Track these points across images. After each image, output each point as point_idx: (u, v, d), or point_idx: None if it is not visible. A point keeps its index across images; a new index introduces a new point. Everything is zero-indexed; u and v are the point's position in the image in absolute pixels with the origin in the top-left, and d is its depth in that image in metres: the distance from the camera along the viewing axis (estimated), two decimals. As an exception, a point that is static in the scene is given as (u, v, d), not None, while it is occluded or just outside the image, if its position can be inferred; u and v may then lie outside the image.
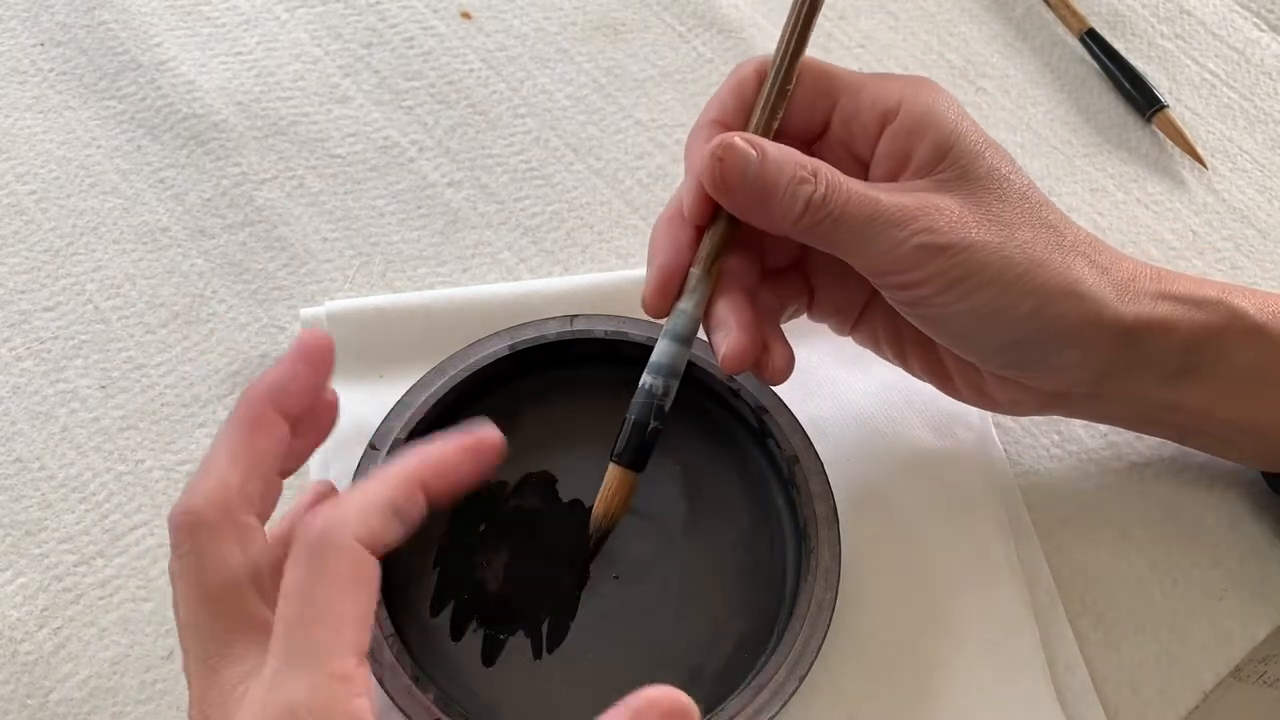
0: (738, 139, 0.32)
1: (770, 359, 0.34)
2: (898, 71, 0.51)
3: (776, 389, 0.38)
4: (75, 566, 0.38)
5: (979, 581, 0.38)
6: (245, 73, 0.49)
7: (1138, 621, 0.38)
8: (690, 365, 0.38)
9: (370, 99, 0.48)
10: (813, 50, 0.51)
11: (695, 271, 0.34)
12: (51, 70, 0.49)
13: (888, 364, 0.42)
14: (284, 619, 0.26)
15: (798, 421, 0.37)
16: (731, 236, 0.34)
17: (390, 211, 0.46)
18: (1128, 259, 0.34)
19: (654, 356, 0.34)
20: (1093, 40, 0.51)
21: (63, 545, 0.38)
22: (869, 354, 0.42)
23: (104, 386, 0.41)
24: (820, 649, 0.34)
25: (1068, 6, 0.52)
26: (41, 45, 0.49)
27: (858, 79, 0.34)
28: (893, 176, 0.34)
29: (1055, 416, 0.42)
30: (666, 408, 0.34)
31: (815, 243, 0.33)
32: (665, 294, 0.34)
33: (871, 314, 0.37)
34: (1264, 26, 0.53)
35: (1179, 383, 0.34)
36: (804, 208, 0.32)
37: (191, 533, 0.27)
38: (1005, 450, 0.41)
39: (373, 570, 0.27)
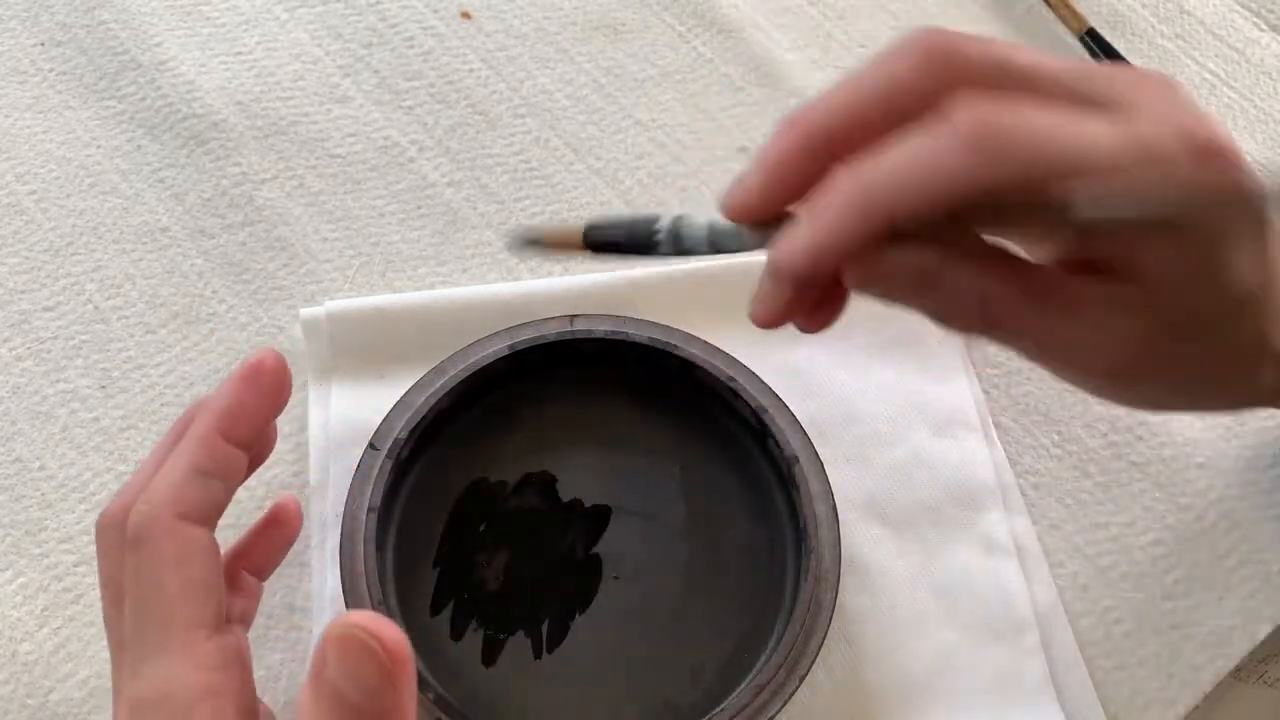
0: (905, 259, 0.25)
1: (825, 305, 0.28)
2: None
3: (776, 389, 0.38)
4: (75, 566, 0.38)
5: (979, 582, 0.38)
6: (245, 73, 0.49)
7: (1138, 621, 0.38)
8: (689, 364, 0.38)
9: (370, 99, 0.48)
10: (811, 50, 0.51)
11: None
12: (51, 70, 0.49)
13: (888, 364, 0.42)
14: (129, 613, 0.27)
15: (798, 421, 0.37)
16: None
17: (390, 211, 0.46)
18: None
19: (687, 222, 0.29)
20: (1093, 40, 0.51)
21: (63, 545, 0.38)
22: (869, 354, 0.42)
23: (104, 386, 0.41)
24: (820, 649, 0.34)
25: (1068, 6, 0.52)
26: (41, 45, 0.49)
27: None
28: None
29: (1057, 418, 0.42)
30: (666, 238, 0.29)
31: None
32: (747, 212, 0.27)
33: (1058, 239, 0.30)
34: (1264, 26, 0.53)
35: None
36: (978, 322, 0.26)
37: (102, 533, 0.29)
38: (1005, 450, 0.41)
39: (198, 539, 0.28)
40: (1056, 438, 0.41)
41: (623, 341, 0.38)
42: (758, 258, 0.38)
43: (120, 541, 0.28)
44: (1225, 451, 0.41)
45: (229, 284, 0.44)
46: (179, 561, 0.28)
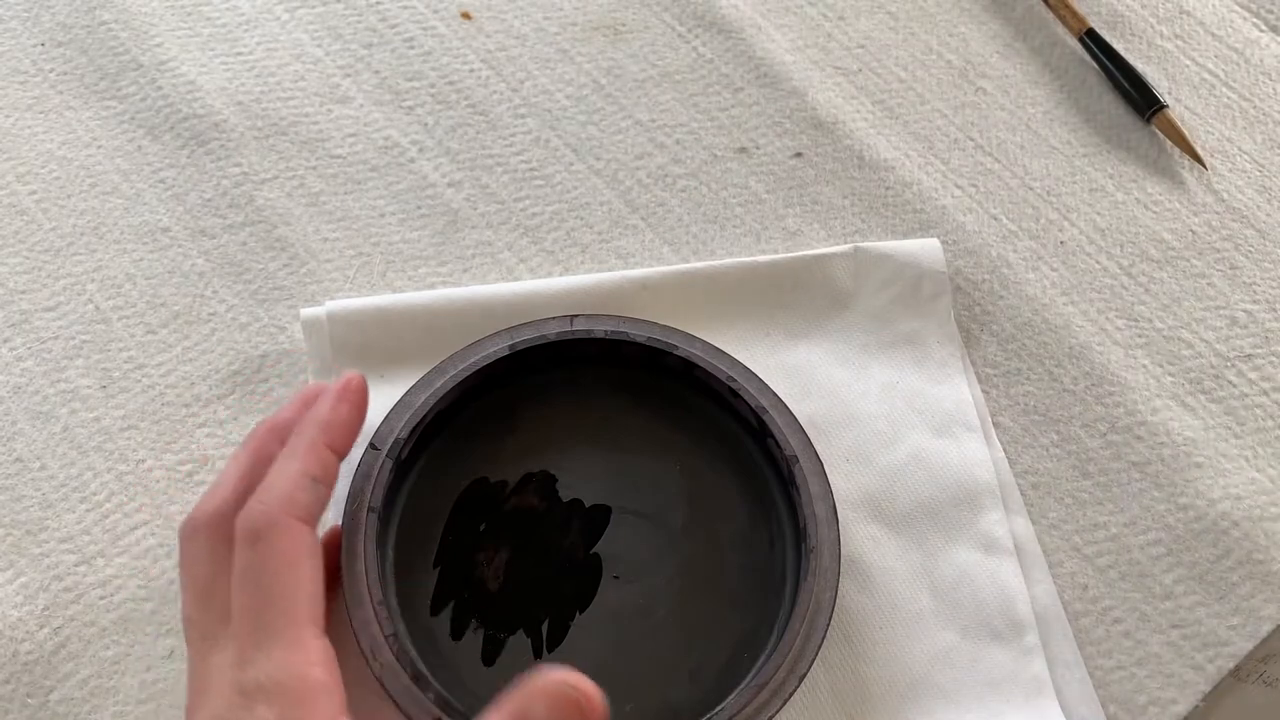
0: None
1: None
2: (898, 73, 0.51)
3: (776, 389, 0.38)
4: (75, 566, 0.38)
5: (979, 581, 0.38)
6: (246, 73, 0.49)
7: (1138, 621, 0.38)
8: (689, 364, 0.38)
9: (370, 99, 0.48)
10: (811, 50, 0.51)
11: None
12: (52, 70, 0.49)
13: (888, 364, 0.42)
14: (239, 605, 0.29)
15: (798, 421, 0.37)
16: None
17: (390, 211, 0.46)
18: None
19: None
20: (1092, 40, 0.51)
21: (63, 545, 0.38)
22: (869, 354, 0.42)
23: (104, 386, 0.41)
24: (820, 649, 0.34)
25: (1067, 6, 0.52)
26: (42, 45, 0.49)
27: None
28: None
29: (1057, 418, 0.42)
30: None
31: None
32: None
33: None
34: (1264, 26, 0.53)
35: None
36: None
37: (191, 536, 0.31)
38: (1005, 450, 0.41)
39: (312, 542, 0.30)
40: (1056, 438, 0.41)
41: (623, 341, 0.38)
42: (757, 258, 0.38)
43: (215, 541, 0.31)
44: (1225, 451, 0.41)
45: (229, 284, 0.44)
46: (294, 561, 0.30)
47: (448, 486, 0.37)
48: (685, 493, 0.38)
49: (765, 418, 0.37)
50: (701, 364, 0.38)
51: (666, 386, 0.39)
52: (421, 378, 0.38)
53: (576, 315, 0.39)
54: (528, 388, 0.39)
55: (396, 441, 0.36)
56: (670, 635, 0.35)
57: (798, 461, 0.36)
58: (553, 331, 0.38)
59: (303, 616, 0.29)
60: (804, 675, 0.33)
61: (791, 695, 0.33)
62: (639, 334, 0.38)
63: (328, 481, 0.32)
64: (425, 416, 0.36)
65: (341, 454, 0.33)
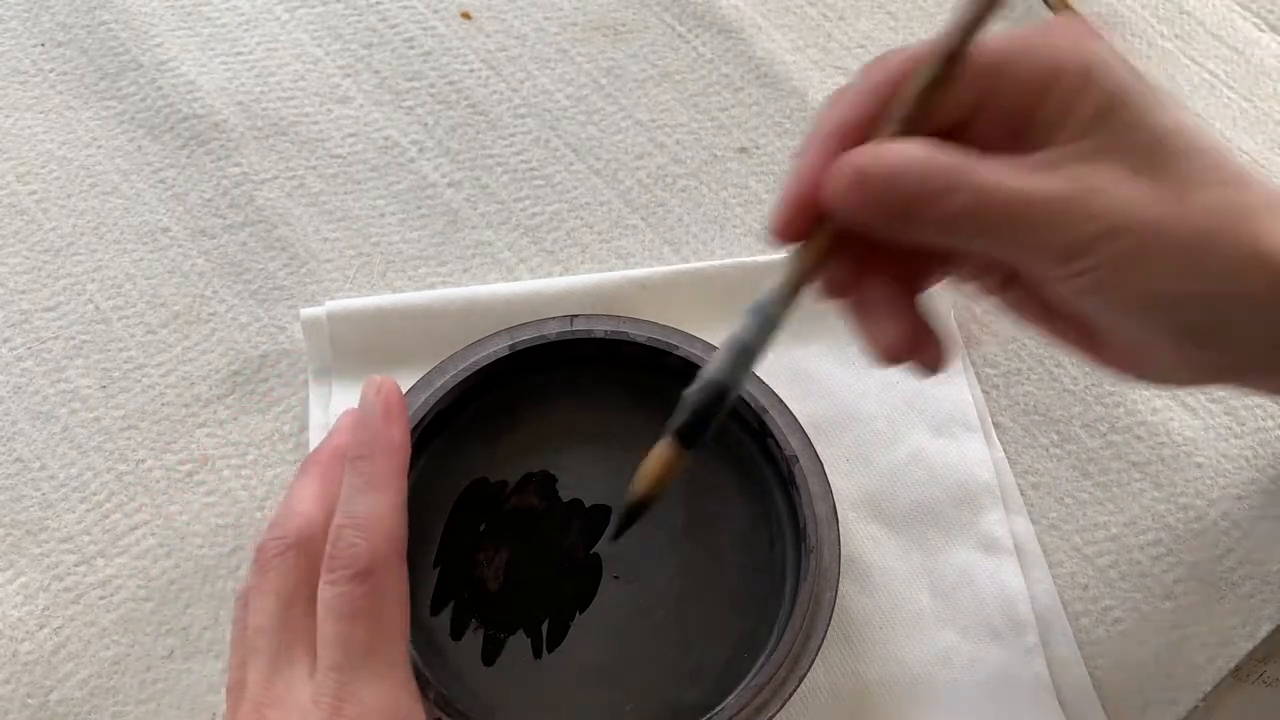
0: (869, 157, 0.28)
1: (928, 348, 0.30)
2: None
3: (776, 389, 0.38)
4: (75, 566, 0.38)
5: (979, 581, 0.38)
6: (246, 73, 0.49)
7: (1138, 621, 0.38)
8: (689, 365, 0.38)
9: (370, 99, 0.48)
10: (811, 50, 0.51)
11: (791, 256, 0.29)
12: (52, 70, 0.49)
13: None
14: (343, 635, 0.29)
15: (798, 421, 0.37)
16: (830, 247, 0.30)
17: (390, 211, 0.46)
18: None
19: (733, 331, 0.30)
20: (1093, 40, 0.51)
21: (63, 545, 0.38)
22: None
23: (104, 386, 0.41)
24: (820, 649, 0.34)
25: (1067, 7, 0.52)
26: (42, 45, 0.49)
27: (1005, 47, 0.30)
28: (1050, 141, 0.29)
29: (1057, 418, 0.42)
30: (735, 387, 0.30)
31: (969, 248, 0.30)
32: (799, 217, 0.29)
33: (1020, 281, 0.33)
34: (1264, 26, 0.53)
35: None
36: (952, 221, 0.28)
37: (282, 553, 0.31)
38: (1005, 450, 0.41)
39: (407, 577, 0.31)
40: (1056, 438, 0.41)
41: (623, 341, 0.38)
42: (757, 258, 0.38)
43: (303, 560, 0.31)
44: (1225, 451, 0.41)
45: (229, 284, 0.44)
46: (400, 598, 0.30)
47: (448, 486, 0.37)
48: (685, 493, 0.38)
49: (765, 418, 0.37)
50: (701, 364, 0.38)
51: (666, 386, 0.39)
52: (421, 378, 0.38)
53: (576, 315, 0.39)
54: (528, 388, 0.39)
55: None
56: (670, 635, 0.35)
57: (798, 461, 0.36)
58: (553, 331, 0.38)
59: (402, 654, 0.30)
60: (804, 675, 0.33)
61: (791, 695, 0.33)
62: (639, 334, 0.38)
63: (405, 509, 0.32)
64: (425, 416, 0.36)
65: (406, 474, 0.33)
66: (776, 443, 0.37)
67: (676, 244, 0.45)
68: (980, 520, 0.39)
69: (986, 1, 0.29)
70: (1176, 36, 0.53)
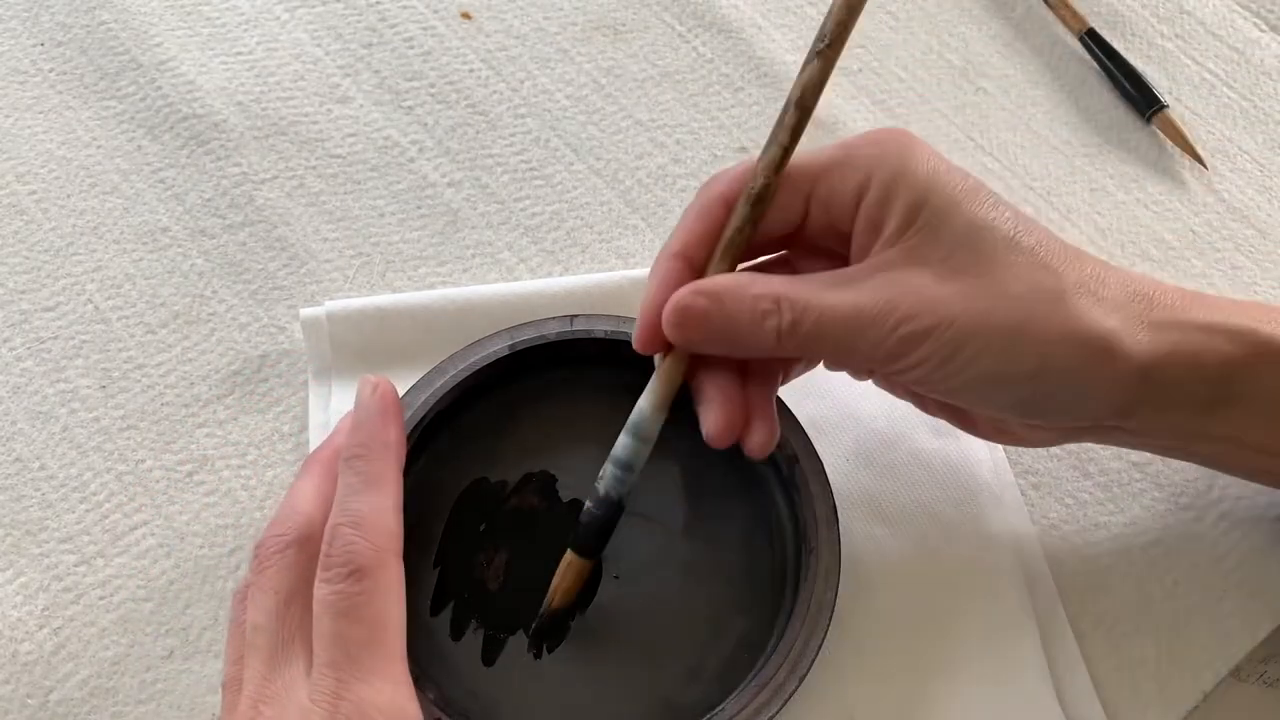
0: (689, 296, 0.32)
1: (750, 434, 0.33)
2: (898, 73, 0.51)
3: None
4: (75, 566, 0.38)
5: (979, 581, 0.38)
6: (245, 73, 0.49)
7: (1138, 621, 0.38)
8: None
9: (370, 99, 0.48)
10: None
11: (655, 373, 0.33)
12: (52, 70, 0.49)
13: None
14: (337, 634, 0.29)
15: (798, 421, 0.37)
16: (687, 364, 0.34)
17: (390, 211, 0.46)
18: (1146, 283, 0.32)
19: (615, 450, 0.33)
20: (1092, 40, 0.51)
21: (63, 545, 0.38)
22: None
23: (104, 386, 0.41)
24: (820, 649, 0.34)
25: (1067, 6, 0.52)
26: (42, 45, 0.49)
27: (826, 161, 0.33)
28: (867, 250, 0.32)
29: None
30: (624, 500, 0.34)
31: (812, 360, 0.34)
32: (653, 336, 0.33)
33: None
34: (1264, 26, 0.53)
35: (1209, 412, 0.32)
36: (775, 338, 0.31)
37: (282, 550, 0.31)
38: (1005, 450, 0.41)
39: (403, 577, 0.31)
40: (1056, 438, 0.41)
41: (623, 341, 0.38)
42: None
43: (303, 557, 0.31)
44: (1225, 451, 0.41)
45: (229, 284, 0.44)
46: (398, 596, 0.30)
47: (448, 486, 0.37)
48: (685, 493, 0.38)
49: None
50: None
51: None
52: (421, 378, 0.38)
53: (576, 315, 0.39)
54: (528, 388, 0.39)
55: None
56: (670, 635, 0.35)
57: (798, 461, 0.36)
58: (553, 331, 0.38)
59: (399, 651, 0.30)
60: (804, 675, 0.33)
61: (792, 695, 0.33)
62: None
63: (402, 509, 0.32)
64: (425, 416, 0.36)
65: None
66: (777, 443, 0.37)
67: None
68: (980, 521, 0.39)
69: (796, 122, 0.32)
70: (1176, 36, 0.53)
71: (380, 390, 0.33)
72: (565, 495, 0.37)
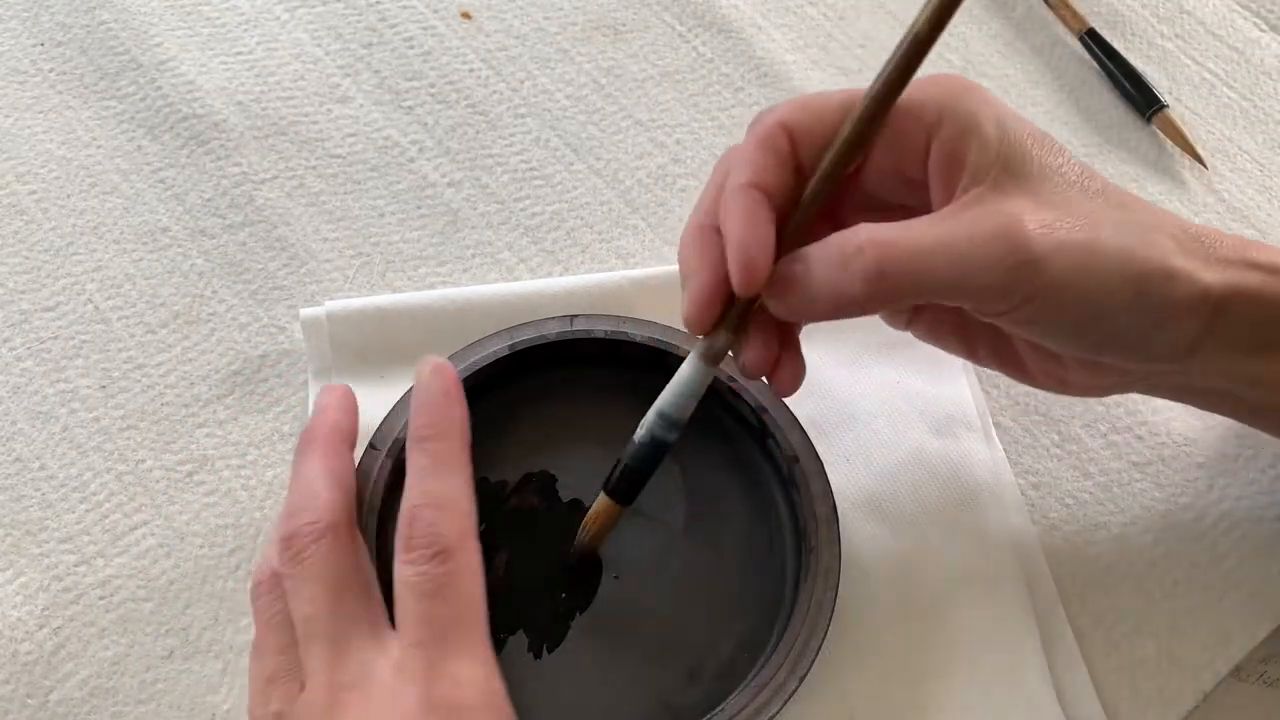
0: (779, 267, 0.30)
1: (779, 370, 0.33)
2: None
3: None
4: (75, 566, 0.38)
5: (979, 581, 0.38)
6: (245, 73, 0.49)
7: (1138, 621, 0.38)
8: None
9: (370, 99, 0.48)
10: (811, 50, 0.51)
11: (720, 335, 0.32)
12: (51, 70, 0.49)
13: (888, 364, 0.42)
14: (427, 613, 0.29)
15: (798, 421, 0.37)
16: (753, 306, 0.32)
17: (390, 211, 0.46)
18: (1200, 228, 0.32)
19: (661, 402, 0.33)
20: (1093, 40, 0.51)
21: (63, 545, 0.38)
22: (869, 354, 0.42)
23: (104, 386, 0.41)
24: (820, 649, 0.34)
25: (1068, 6, 0.52)
26: (41, 45, 0.49)
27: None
28: (948, 190, 0.31)
29: (1057, 418, 0.42)
30: (668, 442, 0.33)
31: (904, 303, 0.32)
32: (710, 312, 0.31)
33: (933, 310, 0.35)
34: (1264, 26, 0.53)
35: (1262, 355, 0.32)
36: (865, 286, 0.29)
37: (319, 538, 0.31)
38: (1005, 450, 0.41)
39: (481, 554, 0.31)
40: (1056, 438, 0.41)
41: (623, 341, 0.38)
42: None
43: (348, 540, 0.31)
44: (1225, 451, 0.41)
45: (229, 284, 0.44)
46: (479, 576, 0.30)
47: None
48: (685, 493, 0.38)
49: (765, 417, 0.37)
50: None
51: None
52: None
53: (576, 315, 0.39)
54: (528, 388, 0.39)
55: (396, 441, 0.36)
56: (670, 635, 0.35)
57: (798, 461, 0.36)
58: (553, 331, 0.38)
59: (484, 630, 0.30)
60: (804, 675, 0.33)
61: (792, 695, 0.33)
62: (639, 334, 0.38)
63: None
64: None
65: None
66: (777, 442, 0.37)
67: (676, 244, 0.45)
68: (980, 520, 0.39)
69: (914, 50, 0.30)
70: (1177, 36, 0.53)
71: (442, 372, 0.33)
72: (565, 495, 0.37)
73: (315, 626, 0.30)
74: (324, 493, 0.32)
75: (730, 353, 0.33)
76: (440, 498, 0.31)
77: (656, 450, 0.33)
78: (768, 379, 0.33)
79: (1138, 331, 0.31)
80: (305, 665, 0.30)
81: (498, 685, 0.30)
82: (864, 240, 0.30)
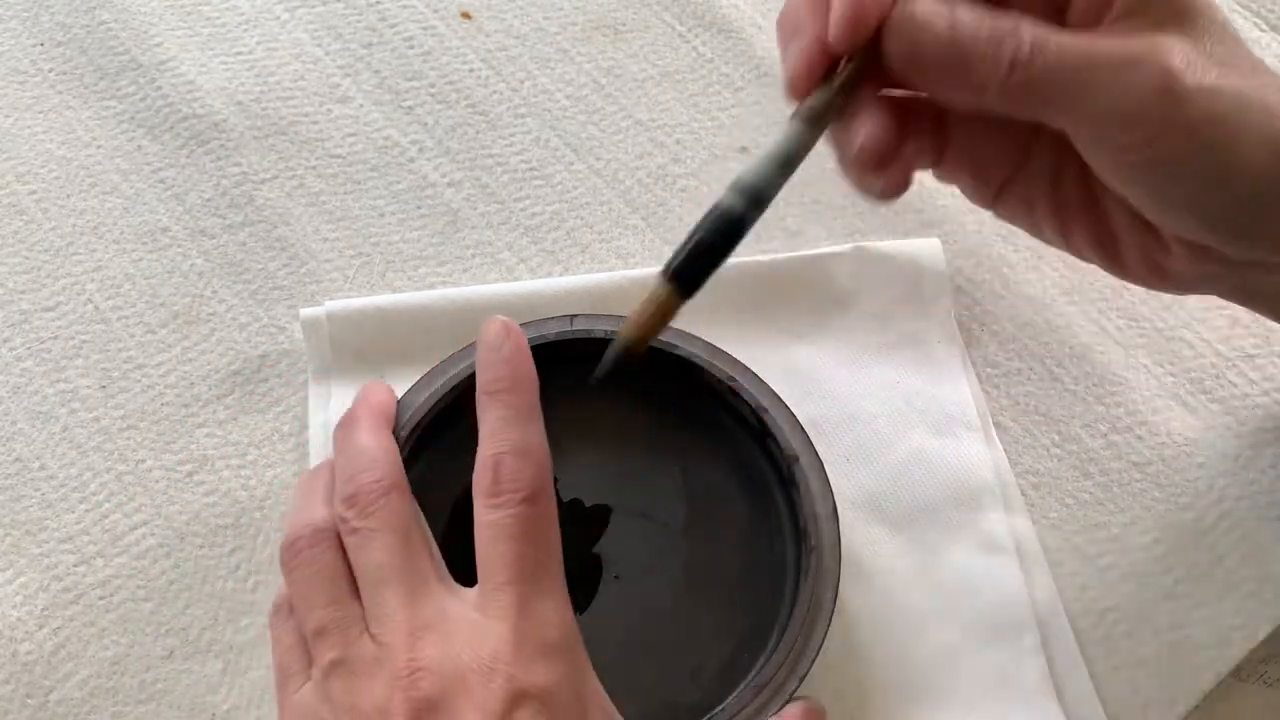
0: (922, 6, 0.28)
1: (891, 164, 0.30)
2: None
3: (776, 389, 0.38)
4: (75, 566, 0.38)
5: (979, 581, 0.38)
6: (245, 73, 0.49)
7: (1138, 621, 0.38)
8: (689, 365, 0.38)
9: (370, 99, 0.48)
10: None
11: (822, 92, 0.29)
12: (51, 70, 0.49)
13: (888, 364, 0.42)
14: (517, 553, 0.30)
15: (798, 421, 0.37)
16: (866, 69, 0.29)
17: (390, 211, 0.46)
18: None
19: (741, 175, 0.29)
20: (1093, 40, 0.51)
21: (63, 545, 0.38)
22: (869, 354, 0.42)
23: (104, 386, 0.41)
24: (820, 649, 0.34)
25: (1068, 6, 0.52)
26: (41, 45, 0.49)
27: None
28: (1096, 22, 0.29)
29: (1057, 418, 0.42)
30: (746, 224, 0.29)
31: (1026, 110, 0.29)
32: (818, 67, 0.29)
33: (1026, 177, 0.33)
34: (1264, 26, 0.53)
35: None
36: (1008, 69, 0.28)
37: (386, 493, 0.31)
38: (1005, 450, 0.41)
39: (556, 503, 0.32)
40: (1056, 438, 0.41)
41: None
42: (758, 257, 0.37)
43: (407, 500, 0.32)
44: (1225, 451, 0.41)
45: (229, 284, 0.44)
46: (557, 524, 0.32)
47: (447, 486, 0.37)
48: (685, 493, 0.38)
49: (765, 417, 0.37)
50: (702, 364, 0.38)
51: (667, 386, 0.39)
52: (421, 378, 0.38)
53: (576, 315, 0.39)
54: None
55: (397, 440, 0.36)
56: (670, 635, 0.35)
57: (798, 461, 0.36)
58: (552, 331, 0.38)
59: (562, 573, 0.31)
60: (804, 675, 0.33)
61: (792, 695, 0.33)
62: None
63: None
64: (424, 418, 0.36)
65: None
66: (777, 442, 0.37)
67: (676, 244, 0.45)
68: (980, 520, 0.39)
69: None
70: (1176, 36, 0.53)
71: (511, 329, 0.34)
72: (565, 495, 0.37)
73: (387, 573, 0.30)
74: (381, 456, 0.33)
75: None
76: (523, 445, 0.32)
77: (734, 228, 0.29)
78: (878, 172, 0.30)
79: (1271, 205, 0.29)
80: (377, 611, 0.30)
81: (574, 624, 0.31)
82: (1023, 22, 0.28)
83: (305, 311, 0.41)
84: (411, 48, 0.50)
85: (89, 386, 0.41)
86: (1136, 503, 0.40)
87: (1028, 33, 0.28)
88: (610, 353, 0.31)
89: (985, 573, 0.38)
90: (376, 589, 0.30)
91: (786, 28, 0.30)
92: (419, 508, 0.33)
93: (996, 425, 0.41)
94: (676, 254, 0.29)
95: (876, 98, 0.30)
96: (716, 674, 0.35)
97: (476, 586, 0.31)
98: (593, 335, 0.38)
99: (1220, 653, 0.38)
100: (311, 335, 0.41)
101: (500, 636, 0.29)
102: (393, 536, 0.31)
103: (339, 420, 0.35)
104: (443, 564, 0.32)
